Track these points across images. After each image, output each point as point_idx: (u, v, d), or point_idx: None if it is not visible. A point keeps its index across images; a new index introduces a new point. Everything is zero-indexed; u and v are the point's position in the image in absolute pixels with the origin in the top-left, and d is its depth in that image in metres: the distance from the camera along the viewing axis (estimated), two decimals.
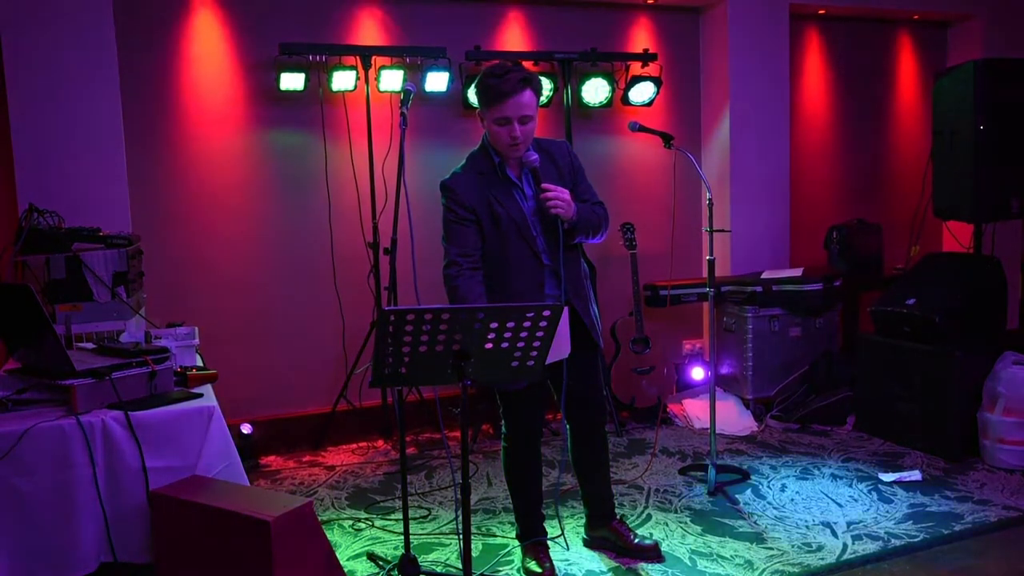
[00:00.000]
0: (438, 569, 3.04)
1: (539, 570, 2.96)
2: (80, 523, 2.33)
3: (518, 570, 3.04)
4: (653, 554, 3.10)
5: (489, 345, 2.22)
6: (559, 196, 2.74)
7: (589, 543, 3.23)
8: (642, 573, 2.99)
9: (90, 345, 2.90)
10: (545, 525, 3.10)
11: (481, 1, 4.90)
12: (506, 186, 2.82)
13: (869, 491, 3.69)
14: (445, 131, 4.80)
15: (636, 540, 3.13)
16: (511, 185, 2.83)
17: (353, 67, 4.43)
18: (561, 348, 2.65)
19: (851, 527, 3.33)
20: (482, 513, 3.55)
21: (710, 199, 3.68)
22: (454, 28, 4.79)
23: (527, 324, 2.22)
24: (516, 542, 3.14)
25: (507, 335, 2.22)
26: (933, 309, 4.15)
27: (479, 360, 2.23)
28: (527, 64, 4.77)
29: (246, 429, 4.25)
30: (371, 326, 4.50)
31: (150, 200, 4.32)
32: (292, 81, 4.36)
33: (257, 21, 4.47)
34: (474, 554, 3.13)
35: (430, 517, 3.54)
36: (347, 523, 3.49)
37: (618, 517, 3.23)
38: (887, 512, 3.46)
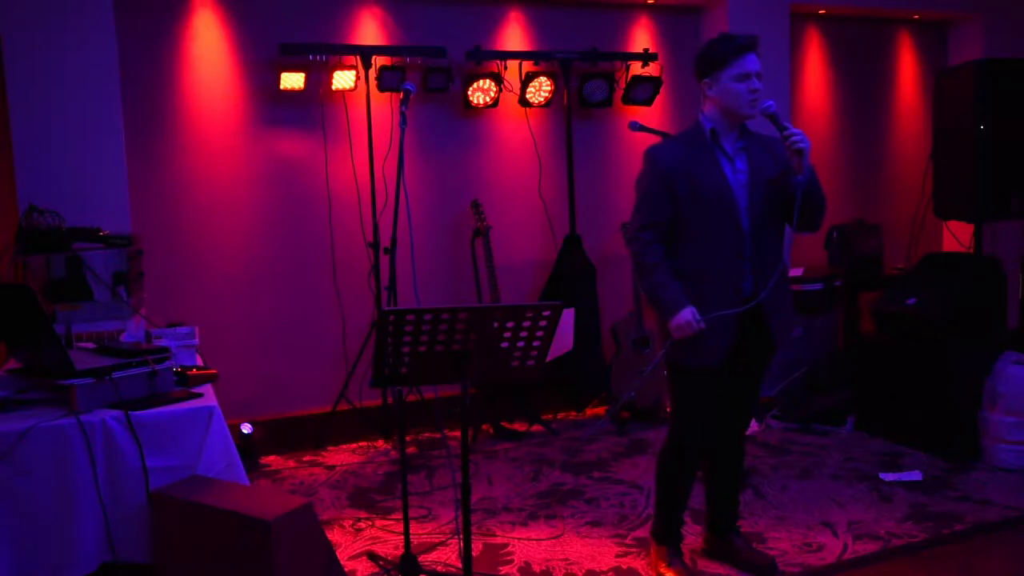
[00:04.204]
0: (438, 569, 3.04)
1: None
2: (80, 523, 2.33)
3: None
4: (769, 570, 2.94)
5: (489, 344, 2.22)
6: (803, 133, 2.60)
7: (709, 553, 3.10)
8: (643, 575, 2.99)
9: (90, 345, 2.90)
10: (553, 520, 3.07)
11: (481, 1, 4.90)
12: (713, 155, 2.73)
13: (869, 491, 3.69)
14: (445, 131, 4.80)
15: (751, 555, 3.00)
16: (723, 155, 2.75)
17: (353, 67, 4.44)
18: (564, 343, 2.66)
19: (851, 527, 3.33)
20: (482, 513, 3.55)
21: None
22: (454, 28, 4.79)
23: (527, 324, 2.22)
24: (516, 540, 3.13)
25: (507, 335, 2.22)
26: (933, 309, 4.15)
27: (479, 360, 2.23)
28: (527, 64, 4.79)
29: (246, 429, 4.24)
30: (371, 326, 4.50)
31: (150, 200, 4.32)
32: (292, 81, 4.37)
33: (257, 21, 4.47)
34: (474, 554, 3.13)
35: (430, 517, 3.53)
36: (347, 523, 3.49)
37: (737, 529, 3.09)
38: (887, 512, 3.46)
